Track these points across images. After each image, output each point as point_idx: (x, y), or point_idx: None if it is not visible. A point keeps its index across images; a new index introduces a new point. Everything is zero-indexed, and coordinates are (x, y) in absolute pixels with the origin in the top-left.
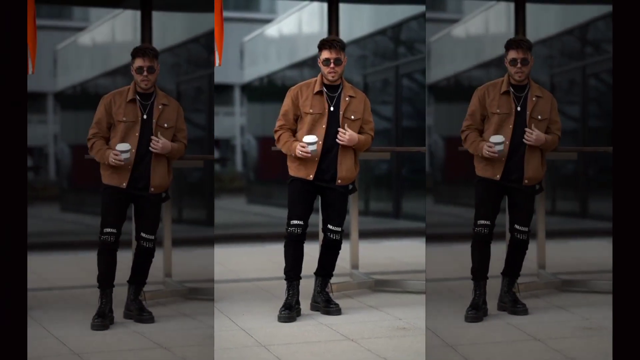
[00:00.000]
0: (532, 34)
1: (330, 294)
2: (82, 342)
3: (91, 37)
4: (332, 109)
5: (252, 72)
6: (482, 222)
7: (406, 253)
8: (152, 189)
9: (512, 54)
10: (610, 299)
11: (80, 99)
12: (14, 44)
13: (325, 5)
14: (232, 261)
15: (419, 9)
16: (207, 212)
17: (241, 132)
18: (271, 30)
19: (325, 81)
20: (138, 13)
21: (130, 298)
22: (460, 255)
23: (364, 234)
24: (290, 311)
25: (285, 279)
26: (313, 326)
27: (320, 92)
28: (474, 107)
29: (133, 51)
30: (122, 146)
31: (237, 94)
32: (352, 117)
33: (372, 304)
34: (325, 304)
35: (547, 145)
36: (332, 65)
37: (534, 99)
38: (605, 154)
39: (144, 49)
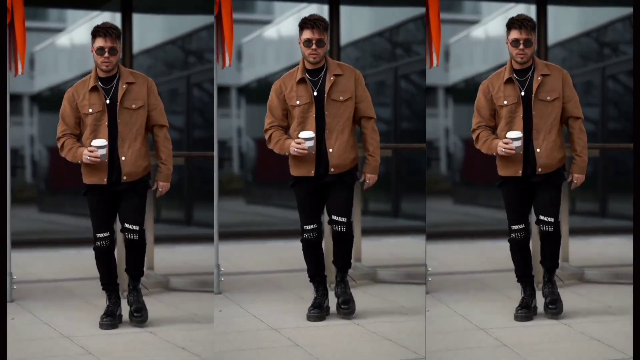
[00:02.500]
0: (552, 36)
1: (352, 285)
2: (71, 327)
3: (69, 38)
4: (315, 94)
5: (250, 73)
6: (516, 227)
7: (406, 249)
8: (125, 177)
9: (514, 34)
10: (630, 289)
11: (58, 100)
12: None
13: (324, 7)
14: (235, 257)
15: (418, 10)
16: (186, 212)
17: (238, 134)
18: (269, 32)
19: (308, 65)
20: (117, 14)
21: (130, 287)
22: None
23: (364, 232)
24: (319, 310)
25: (311, 282)
26: None
27: (302, 80)
28: (479, 102)
29: (93, 30)
30: (98, 142)
31: (233, 95)
32: (341, 97)
33: (375, 293)
34: (341, 302)
35: (583, 150)
36: (314, 46)
37: (539, 78)
38: (627, 150)
39: (105, 28)
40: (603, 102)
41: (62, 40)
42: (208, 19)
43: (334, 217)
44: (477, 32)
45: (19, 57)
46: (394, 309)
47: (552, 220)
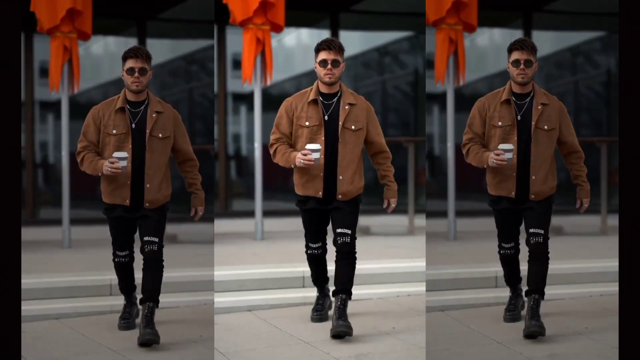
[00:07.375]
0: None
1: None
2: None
3: (85, 49)
4: (326, 118)
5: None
6: (507, 245)
7: (391, 220)
8: (147, 204)
9: (515, 55)
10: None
11: (73, 108)
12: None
13: (323, 32)
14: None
15: (404, 34)
16: (188, 207)
17: (236, 140)
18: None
19: (322, 88)
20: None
21: (143, 312)
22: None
23: None
24: (320, 312)
25: (314, 285)
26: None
27: (315, 101)
28: (473, 119)
29: (124, 53)
30: (120, 153)
31: (230, 103)
32: (353, 127)
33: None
34: (336, 321)
35: (585, 178)
36: (329, 66)
37: (539, 107)
38: (592, 143)
39: (135, 50)
40: (576, 111)
41: (79, 50)
42: (207, 42)
43: (339, 230)
44: (465, 42)
45: (76, 82)
46: (386, 246)
47: (542, 232)
